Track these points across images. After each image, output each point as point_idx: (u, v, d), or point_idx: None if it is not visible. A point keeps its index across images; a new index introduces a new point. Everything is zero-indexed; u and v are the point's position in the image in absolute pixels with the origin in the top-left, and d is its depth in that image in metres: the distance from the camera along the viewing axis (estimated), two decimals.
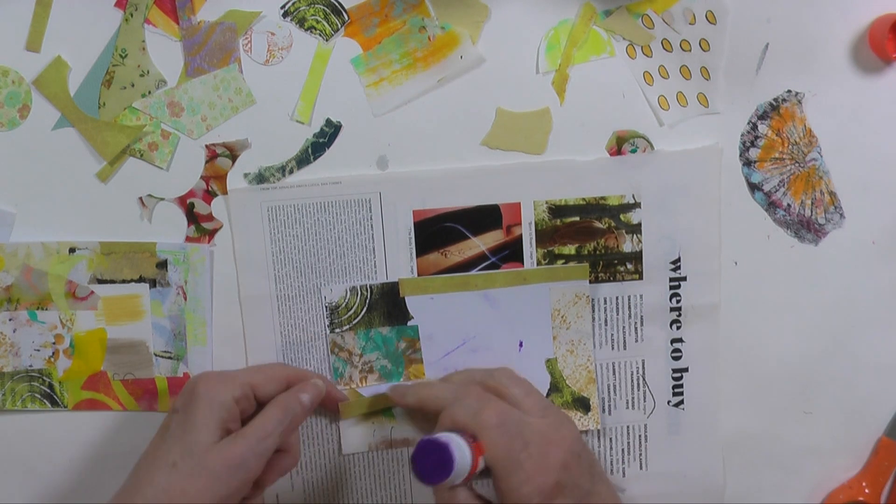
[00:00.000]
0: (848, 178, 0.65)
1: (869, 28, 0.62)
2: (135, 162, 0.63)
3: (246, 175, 0.63)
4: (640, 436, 0.67)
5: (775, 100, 0.64)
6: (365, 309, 0.65)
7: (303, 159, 0.63)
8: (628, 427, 0.67)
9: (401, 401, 0.64)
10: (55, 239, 0.63)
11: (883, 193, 0.65)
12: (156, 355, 0.65)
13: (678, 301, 0.65)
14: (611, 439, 0.67)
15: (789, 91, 0.63)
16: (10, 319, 0.64)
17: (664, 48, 0.63)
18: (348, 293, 0.64)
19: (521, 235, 0.64)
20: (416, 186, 0.63)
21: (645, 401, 0.66)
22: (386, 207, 0.64)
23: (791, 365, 0.67)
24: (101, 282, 0.64)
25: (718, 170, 0.64)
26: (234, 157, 0.63)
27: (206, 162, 0.63)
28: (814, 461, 0.68)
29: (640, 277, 0.65)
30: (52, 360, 0.65)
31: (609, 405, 0.66)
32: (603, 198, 0.64)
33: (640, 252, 0.65)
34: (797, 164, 0.64)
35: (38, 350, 0.64)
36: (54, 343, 0.64)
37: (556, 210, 0.64)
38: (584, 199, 0.64)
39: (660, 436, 0.67)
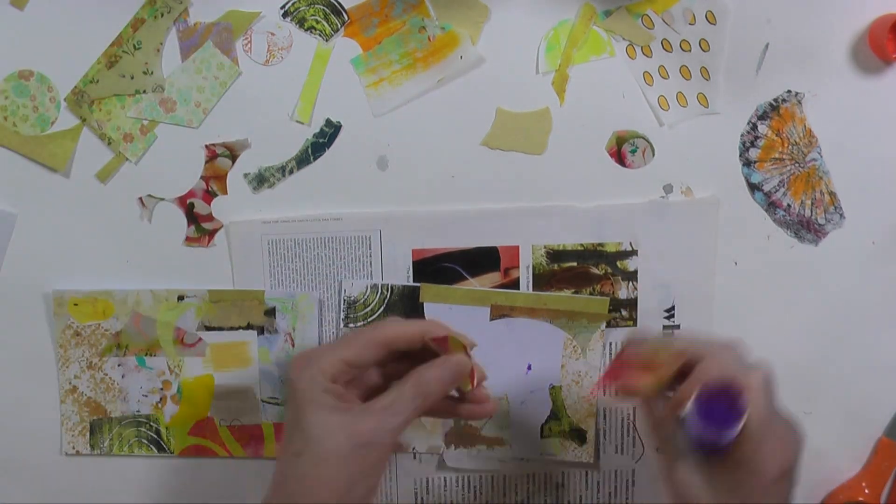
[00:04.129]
0: (848, 178, 0.65)
1: (869, 28, 0.62)
2: (134, 162, 0.63)
3: (246, 175, 0.63)
4: (627, 480, 0.67)
5: (775, 100, 0.63)
6: (382, 308, 0.65)
7: (303, 159, 0.63)
8: (616, 471, 0.67)
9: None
10: (164, 287, 0.64)
11: (883, 193, 0.65)
12: (263, 401, 0.65)
13: None
14: (598, 482, 0.67)
15: (789, 91, 0.63)
16: (119, 365, 0.65)
17: (664, 48, 0.63)
18: (368, 290, 0.64)
19: (518, 278, 0.64)
20: (416, 225, 0.64)
21: (634, 446, 0.67)
22: (386, 245, 0.64)
23: (790, 365, 0.67)
24: (209, 329, 0.64)
25: (716, 221, 0.64)
26: (234, 157, 0.63)
27: (206, 162, 0.63)
28: (813, 461, 0.67)
29: (635, 324, 0.65)
30: (160, 405, 0.65)
31: (599, 448, 0.66)
32: (601, 244, 0.64)
33: (635, 299, 0.65)
34: (797, 165, 0.64)
35: (146, 395, 0.65)
36: (162, 389, 0.65)
37: (554, 255, 0.64)
38: (581, 245, 0.64)
39: (647, 481, 0.67)
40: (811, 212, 0.65)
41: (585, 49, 0.63)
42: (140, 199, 0.64)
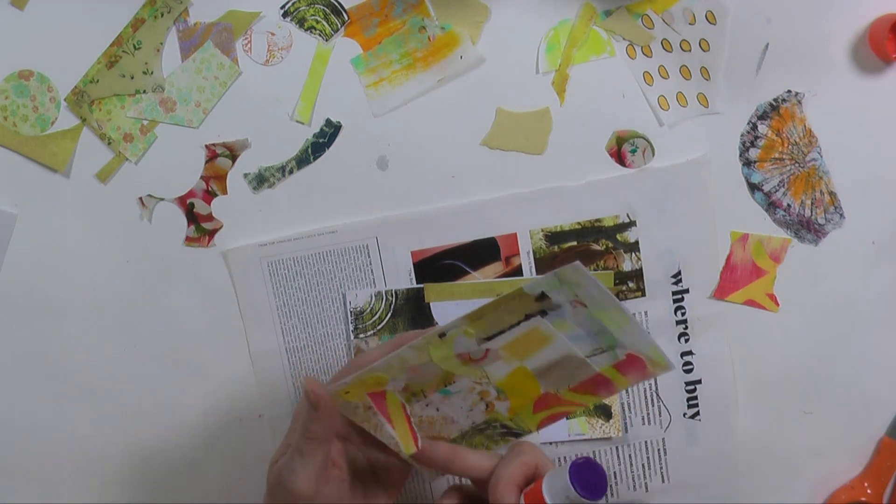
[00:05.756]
0: (848, 178, 0.64)
1: (869, 28, 0.62)
2: (134, 162, 0.63)
3: (246, 175, 0.63)
4: (658, 450, 0.67)
5: (775, 100, 0.63)
6: (389, 314, 0.65)
7: (303, 159, 0.63)
8: (646, 442, 0.66)
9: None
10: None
11: (883, 193, 0.65)
12: (587, 357, 0.56)
13: (683, 314, 0.65)
14: (630, 455, 0.67)
15: (789, 91, 0.63)
16: (427, 405, 0.58)
17: (664, 48, 0.63)
18: (373, 298, 0.64)
19: (520, 265, 0.64)
20: (411, 227, 0.64)
21: (661, 416, 0.66)
22: (384, 251, 0.64)
23: (792, 365, 0.67)
24: (488, 339, 0.56)
25: (709, 180, 0.64)
26: (234, 157, 0.63)
27: (206, 162, 0.63)
28: (815, 461, 0.68)
29: (643, 294, 0.65)
30: (489, 410, 0.59)
31: (626, 422, 0.66)
32: (598, 220, 0.64)
33: (641, 269, 0.65)
34: (797, 165, 0.64)
35: (471, 410, 0.59)
36: (481, 398, 0.59)
37: (553, 237, 0.64)
38: (579, 224, 0.64)
39: (678, 448, 0.67)
40: (811, 212, 0.65)
41: (585, 49, 0.63)
42: (140, 199, 0.64)
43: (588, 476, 0.50)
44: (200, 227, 0.64)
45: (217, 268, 0.64)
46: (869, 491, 0.67)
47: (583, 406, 0.60)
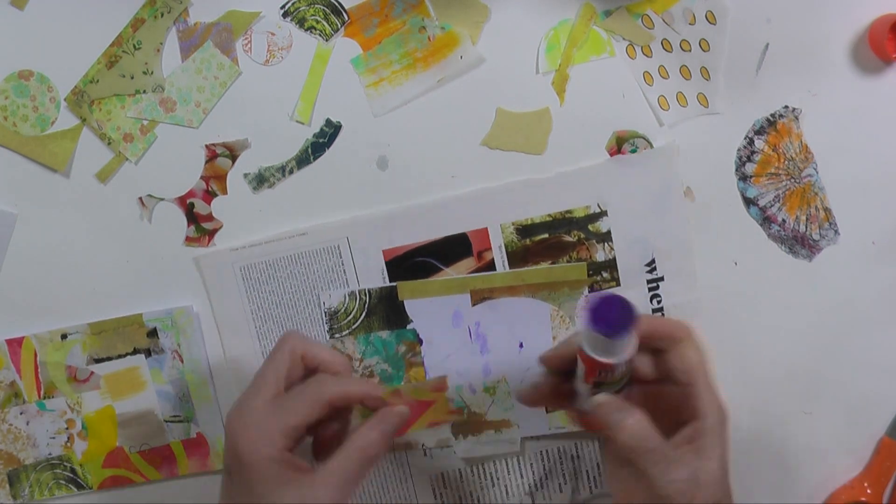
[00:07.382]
0: (843, 192, 0.64)
1: (869, 28, 0.62)
2: (134, 162, 0.63)
3: (246, 175, 0.63)
4: None
5: (772, 115, 0.63)
6: (364, 313, 0.64)
7: (303, 159, 0.63)
8: None
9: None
10: (46, 329, 0.64)
11: (882, 197, 0.65)
12: (166, 421, 0.65)
13: (659, 302, 0.65)
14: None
15: (786, 107, 0.63)
16: (21, 413, 0.65)
17: (664, 48, 0.63)
18: (347, 298, 0.64)
19: (493, 260, 0.64)
20: (382, 226, 0.64)
21: None
22: (356, 251, 0.64)
23: (791, 365, 0.67)
24: (97, 361, 0.65)
25: (677, 167, 0.63)
26: (233, 158, 0.63)
27: (206, 162, 0.63)
28: (815, 462, 0.68)
29: (618, 284, 0.65)
30: (69, 444, 0.66)
31: None
32: (569, 211, 0.64)
33: (614, 259, 0.65)
34: (793, 180, 0.64)
35: (54, 437, 0.66)
36: (67, 428, 0.65)
37: (524, 230, 0.64)
38: (550, 216, 0.64)
39: None
40: (806, 227, 0.65)
41: (585, 49, 0.63)
42: (140, 199, 0.64)
43: (605, 312, 0.48)
44: (200, 227, 0.64)
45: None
46: (869, 491, 0.67)
47: (143, 478, 0.66)
